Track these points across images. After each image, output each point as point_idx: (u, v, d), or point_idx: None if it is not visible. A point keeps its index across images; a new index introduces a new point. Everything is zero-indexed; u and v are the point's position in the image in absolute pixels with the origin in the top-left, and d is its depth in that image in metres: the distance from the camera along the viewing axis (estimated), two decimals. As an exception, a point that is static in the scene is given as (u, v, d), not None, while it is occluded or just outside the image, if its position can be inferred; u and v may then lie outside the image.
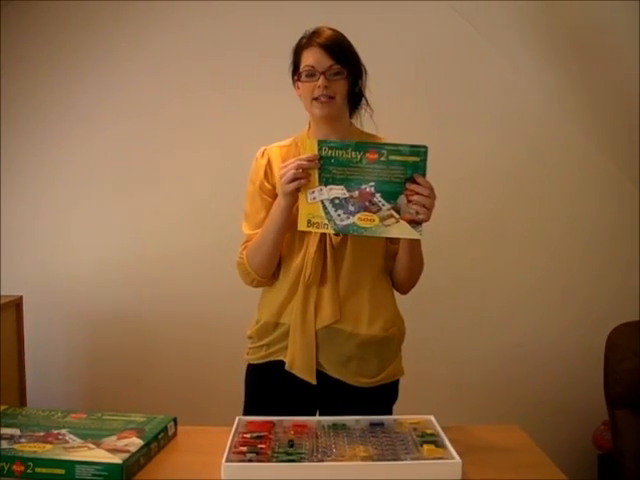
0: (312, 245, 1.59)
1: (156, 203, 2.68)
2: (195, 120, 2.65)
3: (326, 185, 1.48)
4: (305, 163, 1.47)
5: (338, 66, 1.55)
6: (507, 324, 2.68)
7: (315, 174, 1.48)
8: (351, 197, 1.47)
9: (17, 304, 2.44)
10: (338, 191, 1.47)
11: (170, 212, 2.68)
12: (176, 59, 2.64)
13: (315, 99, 1.57)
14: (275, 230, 1.57)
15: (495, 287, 2.68)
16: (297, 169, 1.47)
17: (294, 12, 2.48)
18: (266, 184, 1.66)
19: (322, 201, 1.48)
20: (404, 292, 1.71)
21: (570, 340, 2.65)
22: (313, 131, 1.66)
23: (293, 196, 1.51)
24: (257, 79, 2.57)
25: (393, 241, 1.62)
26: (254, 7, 2.59)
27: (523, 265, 2.67)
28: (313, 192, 1.48)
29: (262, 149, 1.70)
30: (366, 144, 1.49)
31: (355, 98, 1.66)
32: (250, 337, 1.71)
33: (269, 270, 1.64)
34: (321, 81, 1.54)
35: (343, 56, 1.57)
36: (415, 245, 1.58)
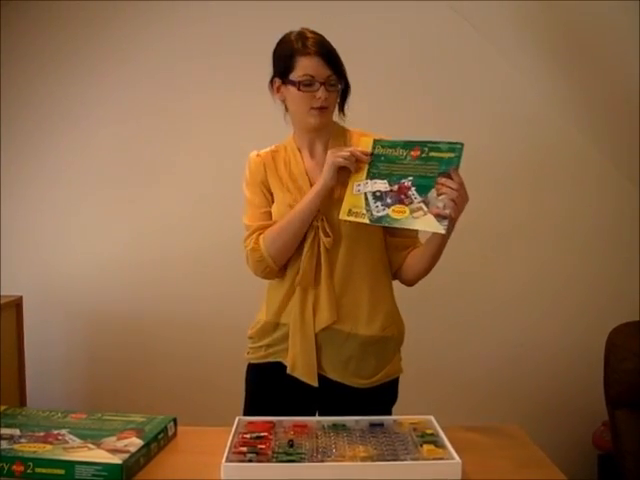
0: (305, 248, 1.59)
1: (156, 203, 2.68)
2: (196, 121, 2.65)
3: (372, 179, 1.54)
4: (359, 154, 1.55)
5: (335, 76, 1.58)
6: (507, 324, 2.67)
7: (365, 168, 1.56)
8: (391, 191, 1.52)
9: (17, 304, 2.44)
10: (381, 185, 1.54)
11: (170, 212, 2.67)
12: (176, 59, 2.64)
13: (312, 108, 1.58)
14: (306, 212, 1.56)
15: (494, 287, 2.68)
16: (351, 153, 1.54)
17: (295, 13, 2.45)
18: (266, 181, 1.66)
19: (365, 193, 1.54)
20: (411, 284, 1.69)
21: (570, 340, 2.65)
22: (298, 136, 1.68)
23: (334, 175, 1.54)
24: (258, 80, 2.54)
25: (395, 234, 1.62)
26: (254, 8, 2.58)
27: (522, 265, 2.67)
28: (359, 185, 1.55)
29: (255, 152, 1.71)
30: (413, 142, 1.53)
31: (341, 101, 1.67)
32: (251, 337, 1.71)
33: (284, 257, 1.61)
34: (322, 92, 1.56)
35: (339, 65, 1.59)
36: (442, 242, 1.55)
